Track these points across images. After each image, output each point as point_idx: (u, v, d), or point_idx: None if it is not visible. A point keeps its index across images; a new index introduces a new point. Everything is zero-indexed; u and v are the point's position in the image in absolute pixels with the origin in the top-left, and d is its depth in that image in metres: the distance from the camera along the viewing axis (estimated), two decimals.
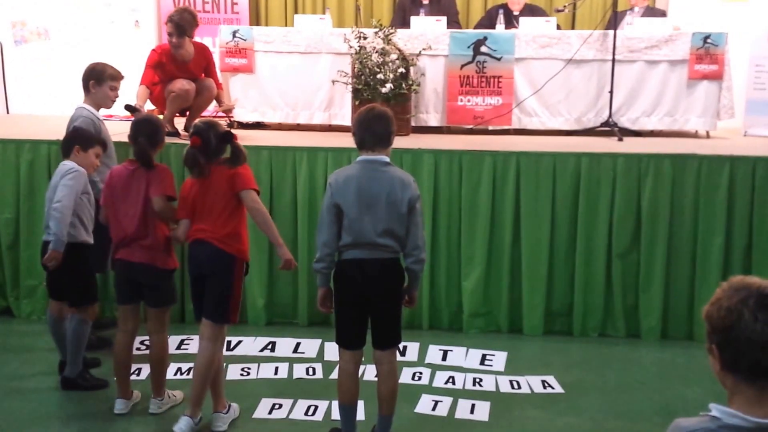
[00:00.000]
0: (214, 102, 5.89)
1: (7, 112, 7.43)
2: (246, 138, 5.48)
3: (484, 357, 4.63)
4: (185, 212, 3.70)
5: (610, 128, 5.87)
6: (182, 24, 5.51)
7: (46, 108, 7.02)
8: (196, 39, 5.79)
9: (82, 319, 4.09)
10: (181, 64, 5.62)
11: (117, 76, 4.57)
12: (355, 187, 3.33)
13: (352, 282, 3.39)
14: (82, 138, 4.21)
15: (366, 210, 3.32)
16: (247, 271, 3.82)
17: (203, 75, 5.76)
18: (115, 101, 4.63)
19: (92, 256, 4.17)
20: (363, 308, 3.43)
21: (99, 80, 4.50)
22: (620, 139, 5.66)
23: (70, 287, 4.08)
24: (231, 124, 6.17)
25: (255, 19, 8.18)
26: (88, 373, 4.19)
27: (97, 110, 4.56)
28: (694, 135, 6.15)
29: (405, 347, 4.66)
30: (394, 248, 3.38)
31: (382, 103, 5.60)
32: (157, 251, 3.80)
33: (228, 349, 4.62)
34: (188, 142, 3.72)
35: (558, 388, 4.24)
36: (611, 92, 5.88)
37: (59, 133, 5.03)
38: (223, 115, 6.09)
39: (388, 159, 3.43)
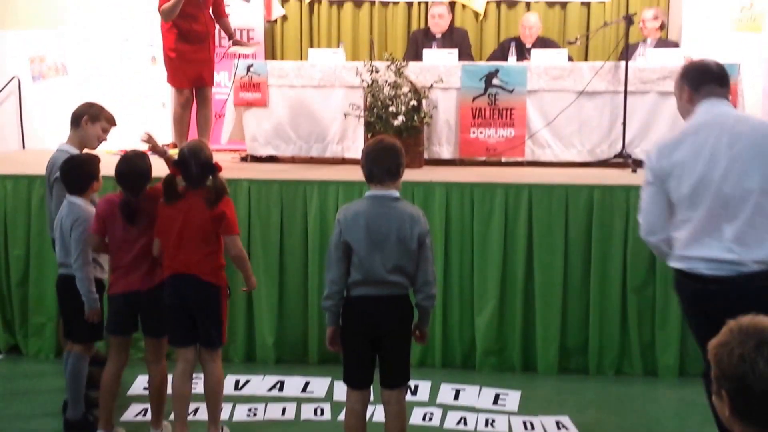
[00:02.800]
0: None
1: (23, 147, 7.39)
2: (258, 171, 5.42)
3: (497, 396, 4.45)
4: (159, 233, 3.68)
5: (623, 160, 5.71)
6: None
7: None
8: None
9: (81, 355, 3.97)
10: None
11: (112, 121, 4.40)
12: (363, 223, 3.21)
13: (361, 319, 3.27)
14: (92, 109, 4.28)
15: (375, 247, 3.20)
16: (230, 294, 3.79)
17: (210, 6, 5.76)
18: (100, 143, 4.41)
19: (103, 287, 4.06)
20: (371, 346, 3.30)
21: (95, 118, 4.31)
22: (634, 171, 5.49)
23: (81, 323, 3.95)
24: (245, 158, 6.10)
25: (271, 53, 8.14)
26: (92, 414, 4.03)
27: (81, 150, 4.30)
28: None
29: (416, 386, 4.50)
30: (404, 284, 3.26)
31: (393, 136, 5.50)
32: (152, 276, 3.77)
33: (236, 388, 4.52)
34: None
35: (573, 429, 4.06)
36: (624, 124, 5.73)
37: None
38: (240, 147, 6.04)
39: (397, 194, 3.30)
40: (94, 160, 4.05)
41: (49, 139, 7.26)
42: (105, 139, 4.41)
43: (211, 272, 3.65)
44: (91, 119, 4.30)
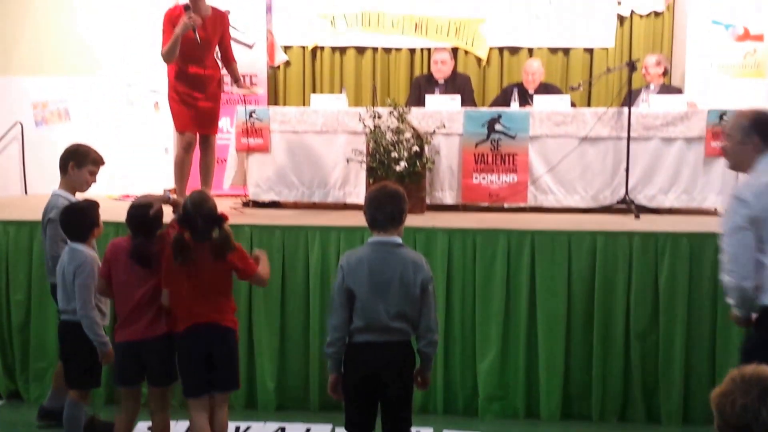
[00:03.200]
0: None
1: (25, 193, 7.55)
2: (260, 217, 5.55)
3: None
4: (168, 284, 3.76)
5: (626, 206, 5.85)
6: None
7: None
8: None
9: (76, 401, 4.05)
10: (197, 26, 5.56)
11: (99, 161, 4.46)
12: (366, 270, 3.32)
13: (363, 366, 3.35)
14: (76, 154, 4.36)
15: (378, 293, 3.30)
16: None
17: (216, 46, 5.84)
18: (90, 186, 4.51)
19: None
20: (373, 393, 3.37)
21: (80, 163, 4.39)
22: (637, 217, 5.63)
23: (79, 369, 4.04)
24: (247, 204, 6.25)
25: (273, 99, 8.35)
26: None
27: (73, 194, 4.42)
28: (713, 213, 6.11)
29: None
30: (406, 331, 3.35)
31: (395, 182, 5.66)
32: (157, 326, 3.86)
33: None
34: None
35: None
36: (627, 170, 5.88)
37: None
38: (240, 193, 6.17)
39: (400, 240, 3.41)
40: (94, 207, 4.14)
41: (51, 185, 7.36)
42: (94, 182, 4.49)
43: (228, 318, 3.81)
44: (77, 164, 4.39)
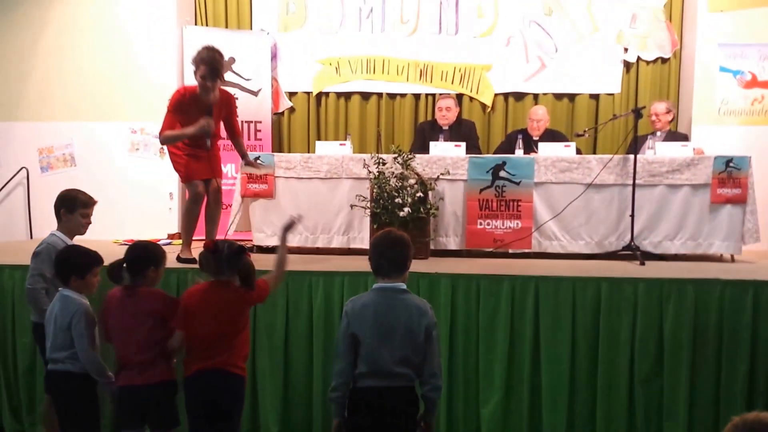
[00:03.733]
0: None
1: (31, 237, 7.76)
2: (265, 263, 5.71)
3: None
4: (182, 325, 3.87)
5: (632, 252, 6.03)
6: (216, 66, 5.50)
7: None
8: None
9: None
10: (205, 108, 5.60)
11: (89, 203, 4.65)
12: (371, 316, 3.46)
13: (368, 411, 3.46)
14: (65, 200, 4.53)
15: (383, 339, 3.43)
16: None
17: (222, 123, 5.88)
18: (88, 227, 4.68)
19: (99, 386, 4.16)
20: None
21: (70, 209, 4.58)
22: (642, 263, 5.79)
23: (77, 421, 4.06)
24: (251, 249, 6.42)
25: (278, 145, 8.58)
26: None
27: (71, 238, 4.60)
28: (719, 259, 6.28)
29: None
30: (410, 376, 3.47)
31: (399, 227, 5.85)
32: (157, 369, 3.96)
33: None
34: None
35: None
36: (632, 216, 6.07)
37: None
38: (246, 238, 6.36)
39: (404, 286, 3.56)
40: (93, 255, 4.19)
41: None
42: (90, 222, 4.67)
43: (241, 366, 3.93)
44: (67, 210, 4.59)
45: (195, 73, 5.59)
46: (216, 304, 3.86)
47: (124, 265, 4.04)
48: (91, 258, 4.18)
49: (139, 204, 7.73)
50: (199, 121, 5.54)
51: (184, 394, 3.93)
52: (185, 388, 3.91)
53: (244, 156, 6.09)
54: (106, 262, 4.18)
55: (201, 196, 5.86)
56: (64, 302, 4.07)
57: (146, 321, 3.96)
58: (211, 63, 5.50)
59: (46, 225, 7.88)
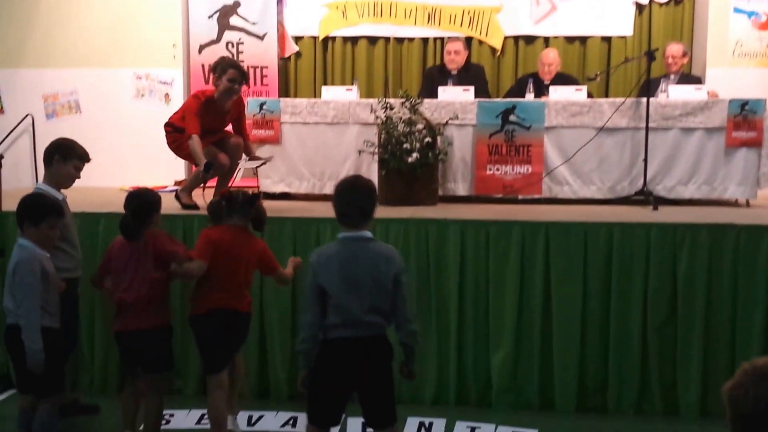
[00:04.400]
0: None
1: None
2: (271, 208, 5.60)
3: None
4: (206, 256, 3.98)
5: (645, 197, 5.88)
6: (245, 73, 5.55)
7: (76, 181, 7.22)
8: None
9: (51, 411, 3.89)
10: (219, 114, 5.62)
11: (85, 157, 4.41)
12: (337, 266, 3.35)
13: (339, 362, 3.39)
14: (62, 147, 4.33)
15: (351, 289, 3.34)
16: None
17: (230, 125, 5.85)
18: (74, 181, 4.45)
19: (59, 339, 3.95)
20: (347, 388, 3.43)
21: (66, 157, 4.33)
22: (655, 208, 5.66)
23: (36, 377, 3.81)
24: (258, 195, 6.30)
25: (284, 91, 8.42)
26: None
27: (58, 190, 4.34)
28: (734, 204, 6.13)
29: (431, 423, 4.63)
30: (381, 324, 3.40)
31: (407, 174, 5.72)
32: (152, 314, 4.02)
33: (249, 424, 4.66)
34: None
35: None
36: (645, 160, 5.91)
37: (86, 206, 5.25)
38: (252, 184, 6.23)
39: (370, 234, 3.46)
40: (53, 204, 3.98)
41: None
42: (78, 177, 4.44)
43: (246, 304, 4.16)
44: (62, 158, 4.33)
45: (219, 78, 5.51)
46: (239, 248, 4.05)
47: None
48: (50, 208, 3.93)
49: (145, 151, 7.61)
50: (204, 161, 5.37)
51: (196, 330, 4.09)
52: (197, 323, 4.06)
53: (249, 153, 5.89)
54: (113, 210, 4.22)
55: (222, 167, 5.67)
56: (17, 250, 3.86)
57: (147, 261, 4.00)
58: (240, 67, 5.55)
59: None
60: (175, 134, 5.63)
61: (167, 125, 5.70)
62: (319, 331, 3.39)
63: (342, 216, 3.44)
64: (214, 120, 5.62)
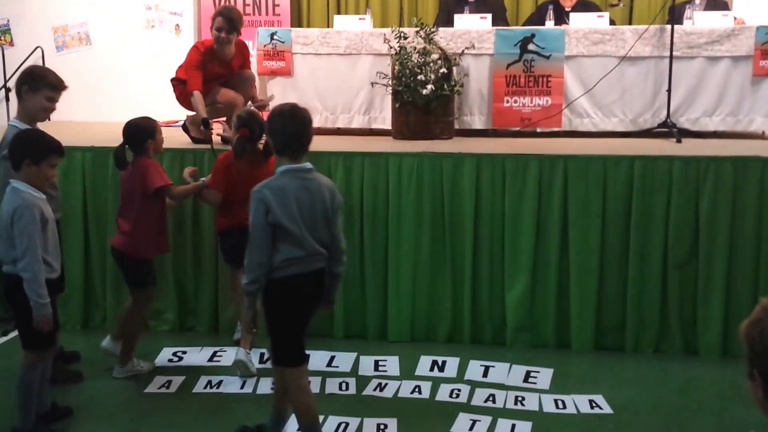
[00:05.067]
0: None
1: (48, 119, 7.54)
2: None
3: (528, 374, 4.44)
4: (223, 188, 4.34)
5: (668, 129, 5.64)
6: (234, 19, 5.33)
7: (86, 114, 7.08)
8: None
9: (33, 364, 3.57)
10: (222, 62, 5.47)
11: (58, 86, 3.97)
12: (291, 200, 3.19)
13: (301, 297, 3.29)
14: (31, 76, 3.95)
15: (307, 222, 3.23)
16: None
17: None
18: (50, 114, 4.04)
19: (58, 289, 3.76)
20: (306, 320, 3.38)
21: (35, 87, 3.90)
22: (678, 141, 5.44)
23: (24, 326, 3.54)
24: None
25: (297, 21, 8.20)
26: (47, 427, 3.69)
27: (31, 124, 3.91)
28: (761, 136, 5.88)
29: (444, 362, 4.55)
30: (326, 256, 3.34)
31: (422, 106, 5.51)
32: (139, 245, 4.22)
33: (261, 362, 4.55)
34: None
35: (607, 409, 4.03)
36: (669, 91, 5.65)
37: (96, 140, 5.14)
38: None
39: (311, 165, 3.33)
40: (53, 141, 3.59)
41: (73, 111, 7.39)
42: (54, 109, 4.05)
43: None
44: (32, 89, 3.92)
45: (211, 27, 5.39)
46: (253, 171, 4.21)
47: (126, 147, 4.22)
48: (51, 146, 3.57)
49: (156, 83, 7.42)
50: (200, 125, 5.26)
51: (221, 245, 4.59)
52: (221, 240, 4.56)
53: (254, 101, 5.65)
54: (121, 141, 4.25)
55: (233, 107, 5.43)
56: (10, 194, 3.47)
57: (136, 189, 4.16)
58: (228, 17, 5.32)
59: (62, 105, 7.70)
60: (182, 87, 5.45)
61: (173, 79, 5.53)
62: (269, 270, 3.21)
63: (284, 148, 3.28)
64: (219, 68, 5.46)
